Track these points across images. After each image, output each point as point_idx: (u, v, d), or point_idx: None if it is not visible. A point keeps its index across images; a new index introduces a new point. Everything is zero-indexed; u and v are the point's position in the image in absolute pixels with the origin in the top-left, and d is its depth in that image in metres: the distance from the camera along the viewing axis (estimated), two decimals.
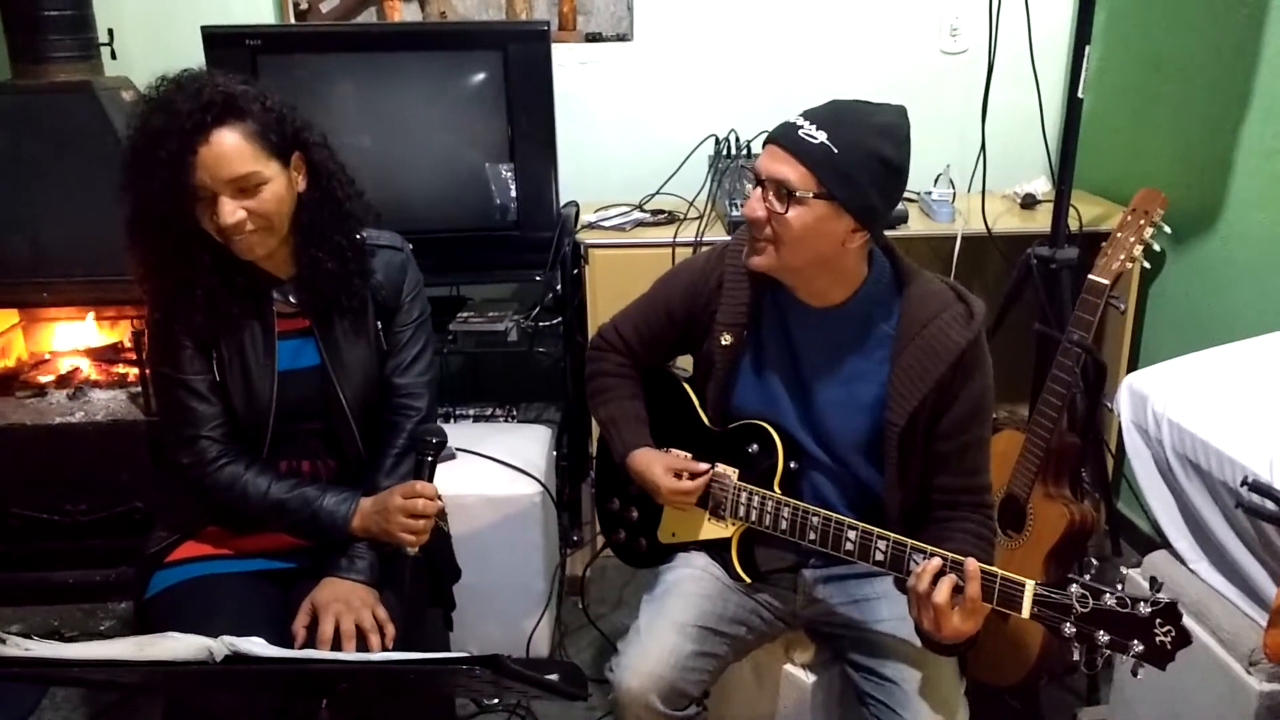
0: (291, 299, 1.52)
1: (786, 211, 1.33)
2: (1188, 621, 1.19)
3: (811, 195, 1.32)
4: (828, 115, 1.33)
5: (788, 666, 1.64)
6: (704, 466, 1.55)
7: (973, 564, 1.27)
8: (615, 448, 1.63)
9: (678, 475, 1.54)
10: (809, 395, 1.50)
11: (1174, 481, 1.63)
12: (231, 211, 1.36)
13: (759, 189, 1.36)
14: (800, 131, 1.32)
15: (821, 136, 1.30)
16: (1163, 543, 1.72)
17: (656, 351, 1.67)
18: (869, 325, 1.45)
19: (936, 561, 1.29)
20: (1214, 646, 1.53)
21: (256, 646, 1.01)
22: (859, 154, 1.31)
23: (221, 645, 0.99)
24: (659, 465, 1.56)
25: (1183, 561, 1.65)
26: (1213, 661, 1.53)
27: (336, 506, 1.50)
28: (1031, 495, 1.90)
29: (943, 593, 1.27)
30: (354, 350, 1.55)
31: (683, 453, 1.60)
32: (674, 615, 1.50)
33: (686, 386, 1.65)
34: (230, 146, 1.35)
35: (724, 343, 1.52)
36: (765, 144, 1.38)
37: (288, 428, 1.54)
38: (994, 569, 1.27)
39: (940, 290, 1.45)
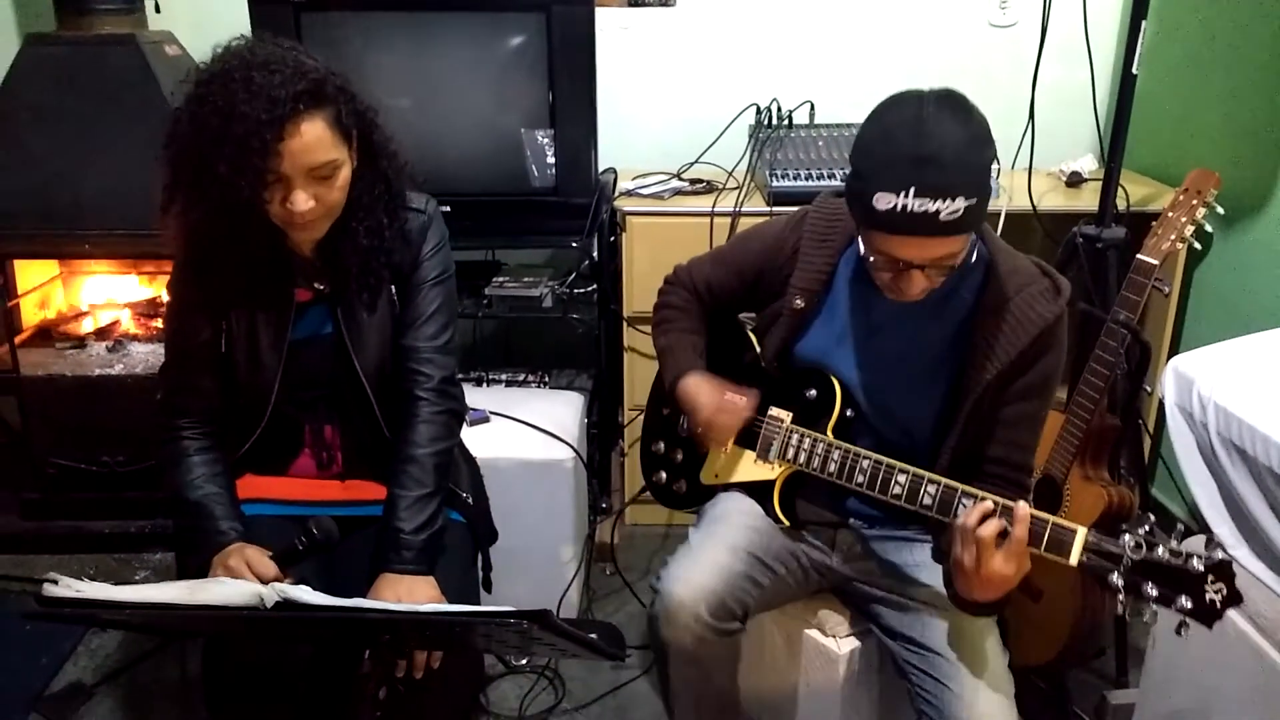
0: (316, 285, 1.51)
1: (955, 266, 1.34)
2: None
3: (971, 245, 1.35)
4: (948, 171, 1.24)
5: (819, 638, 1.64)
6: (753, 392, 1.56)
7: (1023, 507, 1.27)
8: (668, 373, 1.64)
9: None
10: (876, 355, 1.52)
11: (1217, 466, 1.61)
12: (305, 200, 1.34)
13: (915, 272, 1.32)
14: (941, 215, 1.24)
15: (961, 204, 1.24)
16: (1200, 527, 1.70)
17: (721, 304, 1.70)
18: (950, 293, 1.45)
19: (988, 504, 1.30)
20: (1251, 633, 1.52)
21: (305, 594, 1.03)
22: (984, 180, 1.29)
23: (272, 592, 1.00)
24: (708, 385, 1.58)
25: (1222, 547, 1.62)
26: (1249, 648, 1.51)
27: (217, 536, 1.43)
28: (1069, 477, 1.88)
29: (989, 529, 1.27)
30: (370, 317, 1.52)
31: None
32: (724, 538, 1.53)
33: (750, 332, 1.67)
34: (316, 136, 1.32)
35: (796, 305, 1.54)
36: (893, 233, 1.29)
37: (299, 394, 1.53)
38: (1044, 515, 1.27)
39: (1026, 266, 1.46)
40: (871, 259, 1.35)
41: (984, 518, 1.29)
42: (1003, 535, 1.28)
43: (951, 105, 1.28)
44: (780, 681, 1.71)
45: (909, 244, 1.29)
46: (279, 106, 1.28)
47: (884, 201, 1.25)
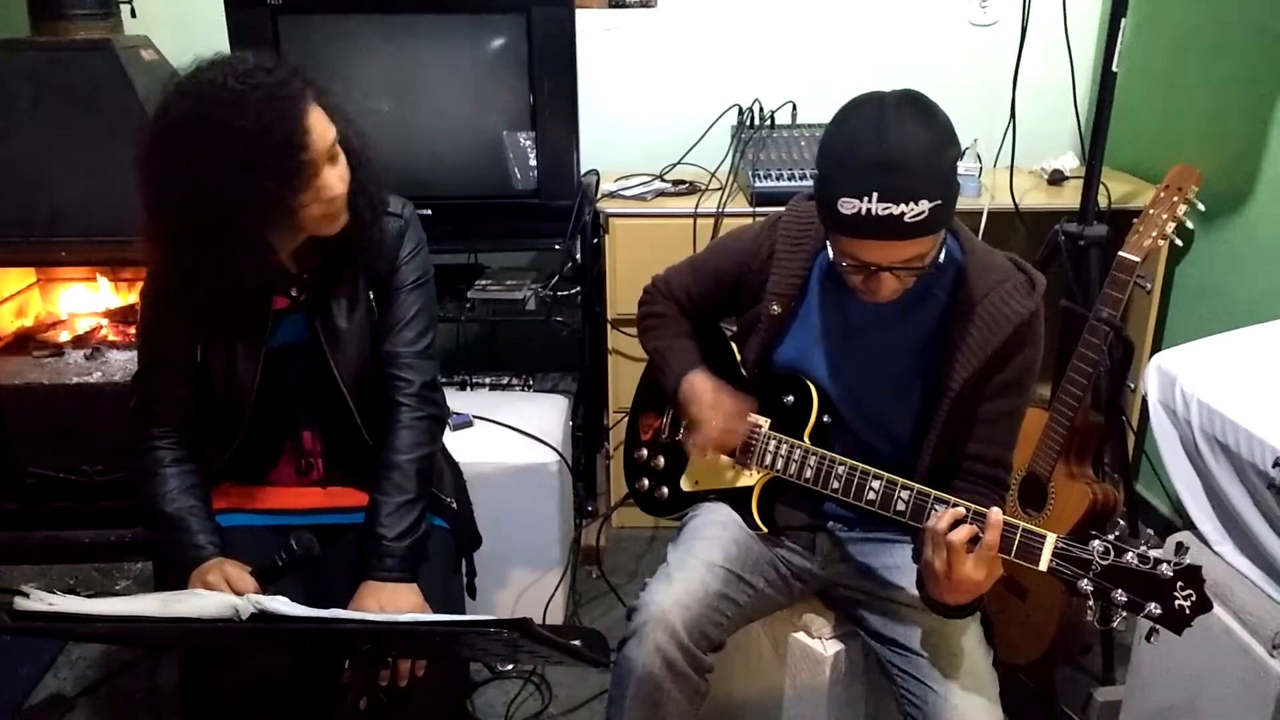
0: (292, 292, 1.49)
1: (924, 267, 1.33)
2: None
3: (939, 244, 1.34)
4: (911, 175, 1.24)
5: (805, 640, 1.64)
6: (750, 400, 1.56)
7: (996, 513, 1.27)
8: (669, 372, 1.62)
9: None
10: (853, 358, 1.51)
11: (1200, 462, 1.61)
12: (339, 177, 1.34)
13: (885, 274, 1.32)
14: (906, 218, 1.24)
15: (926, 206, 1.24)
16: (1184, 524, 1.70)
17: (703, 312, 1.69)
18: (924, 293, 1.45)
19: (960, 510, 1.30)
20: (1236, 629, 1.52)
21: (282, 605, 1.01)
22: (949, 180, 1.28)
23: (247, 603, 0.99)
24: (712, 385, 1.57)
25: (1206, 543, 1.63)
26: (1234, 644, 1.51)
27: (194, 551, 1.41)
28: (1053, 474, 1.88)
29: (960, 534, 1.27)
30: (349, 324, 1.50)
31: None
32: (702, 555, 1.52)
33: (729, 339, 1.66)
34: (319, 114, 1.32)
35: (773, 311, 1.53)
36: (859, 238, 1.29)
37: (277, 401, 1.52)
38: (1015, 520, 1.27)
39: (1001, 262, 1.46)
40: (841, 263, 1.36)
41: (955, 523, 1.28)
42: (975, 540, 1.27)
43: (913, 106, 1.28)
44: (767, 685, 1.70)
45: (875, 248, 1.29)
46: (294, 104, 1.27)
47: (848, 206, 1.25)
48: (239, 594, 1.30)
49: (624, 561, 2.52)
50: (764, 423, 1.55)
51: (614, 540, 2.61)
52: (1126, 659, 1.82)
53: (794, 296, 1.53)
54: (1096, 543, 1.20)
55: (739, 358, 1.63)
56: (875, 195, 1.23)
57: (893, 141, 1.24)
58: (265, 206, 1.29)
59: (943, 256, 1.39)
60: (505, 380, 2.62)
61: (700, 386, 1.57)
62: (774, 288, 1.53)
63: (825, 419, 1.52)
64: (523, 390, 2.59)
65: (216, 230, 1.30)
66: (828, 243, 1.38)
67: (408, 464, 1.50)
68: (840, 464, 1.43)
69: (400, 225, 1.54)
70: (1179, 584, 1.16)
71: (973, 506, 1.30)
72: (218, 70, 1.29)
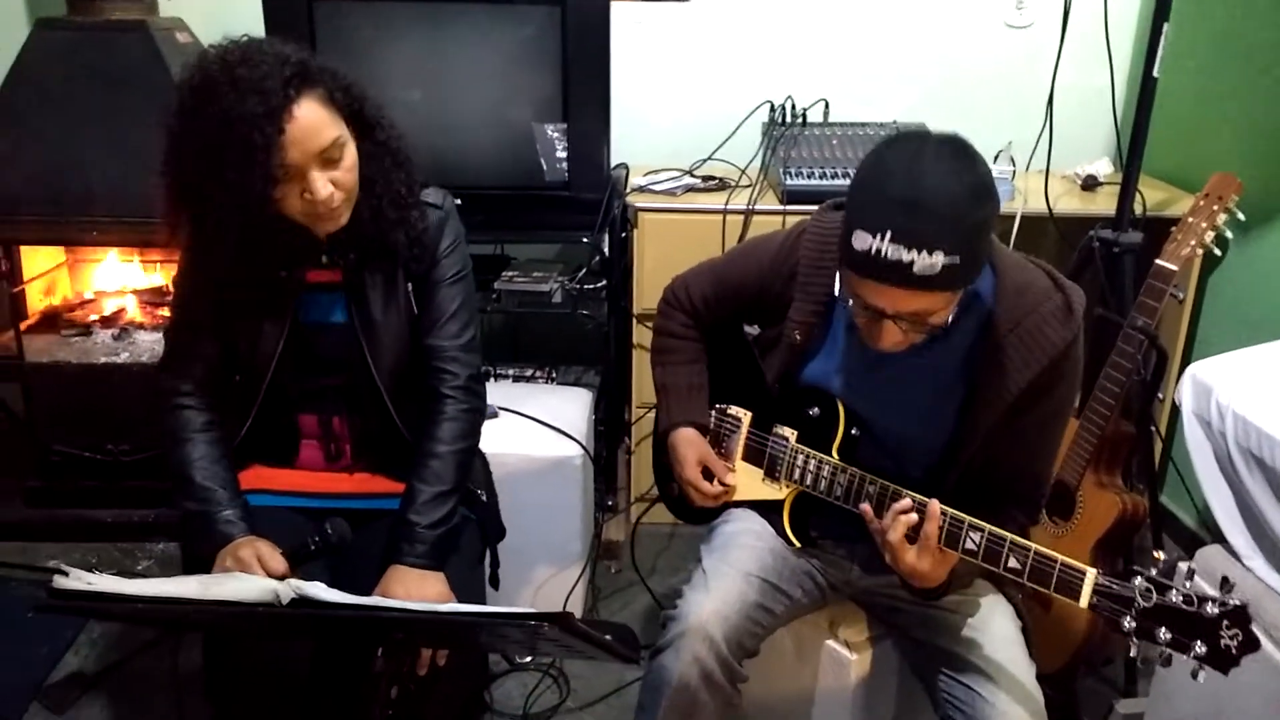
0: (324, 258, 1.48)
1: (931, 325, 1.29)
2: None
3: (954, 303, 1.28)
4: (931, 221, 1.16)
5: (833, 644, 1.63)
6: (732, 481, 1.58)
7: (934, 505, 1.29)
8: (662, 417, 1.64)
9: (706, 474, 1.59)
10: (881, 383, 1.46)
11: (1234, 475, 1.60)
12: (325, 185, 1.32)
13: (887, 322, 1.27)
14: (915, 268, 1.17)
15: (940, 260, 1.16)
16: (1212, 537, 1.69)
17: (722, 320, 1.66)
18: (957, 318, 1.38)
19: (906, 502, 1.33)
20: (1266, 644, 1.51)
21: (322, 591, 1.01)
22: (973, 239, 1.20)
23: (288, 588, 0.99)
24: (694, 455, 1.59)
25: (1237, 557, 1.62)
26: (1263, 660, 1.49)
27: (225, 526, 1.41)
28: (1082, 483, 1.87)
29: (896, 532, 1.31)
30: (385, 311, 1.50)
31: (744, 417, 1.59)
32: (738, 565, 1.50)
33: (752, 344, 1.64)
34: (316, 117, 1.31)
35: (795, 339, 1.50)
36: (864, 277, 1.23)
37: (304, 378, 1.52)
38: (1054, 554, 1.24)
39: (1036, 278, 1.38)
40: (847, 300, 1.31)
41: (896, 518, 1.32)
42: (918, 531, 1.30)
43: (953, 151, 1.21)
44: (790, 685, 1.70)
45: (879, 291, 1.23)
46: (273, 97, 1.26)
47: (860, 241, 1.20)
48: (270, 572, 1.32)
49: (643, 557, 2.52)
50: (791, 435, 1.52)
51: (633, 535, 2.60)
52: (1150, 671, 1.81)
53: (815, 324, 1.48)
54: (1139, 580, 1.16)
55: (761, 367, 1.60)
56: (889, 234, 1.17)
57: (922, 183, 1.17)
58: (229, 193, 1.28)
59: (951, 317, 1.31)
60: (529, 372, 2.61)
61: (682, 447, 1.59)
62: (796, 314, 1.49)
63: (853, 432, 1.48)
64: (546, 383, 2.59)
65: (193, 206, 1.33)
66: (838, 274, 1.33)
67: (449, 455, 1.50)
68: (870, 482, 1.41)
69: (440, 216, 1.53)
70: (1225, 623, 1.12)
71: (918, 498, 1.32)
72: (217, 55, 1.30)
